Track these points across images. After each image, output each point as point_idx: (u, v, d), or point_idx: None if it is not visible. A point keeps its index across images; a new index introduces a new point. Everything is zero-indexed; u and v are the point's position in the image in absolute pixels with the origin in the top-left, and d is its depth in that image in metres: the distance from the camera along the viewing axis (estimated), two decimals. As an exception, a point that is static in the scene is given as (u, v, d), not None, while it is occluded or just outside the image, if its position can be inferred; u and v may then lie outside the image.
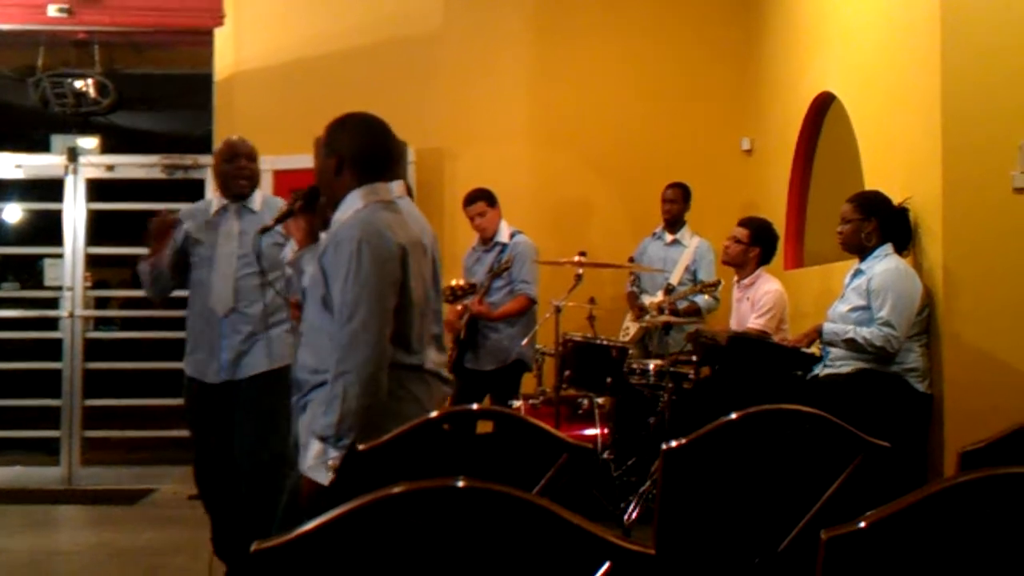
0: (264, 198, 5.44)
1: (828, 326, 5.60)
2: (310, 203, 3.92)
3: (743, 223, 6.99)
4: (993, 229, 5.56)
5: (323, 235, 3.89)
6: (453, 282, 7.14)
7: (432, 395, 3.80)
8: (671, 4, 9.24)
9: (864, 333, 5.44)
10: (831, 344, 5.59)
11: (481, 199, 7.47)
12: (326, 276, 3.60)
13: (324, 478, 3.42)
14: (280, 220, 4.04)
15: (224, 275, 5.25)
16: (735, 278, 7.03)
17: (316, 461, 3.47)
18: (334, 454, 3.41)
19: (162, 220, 5.35)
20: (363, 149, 3.72)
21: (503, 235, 7.47)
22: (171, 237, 5.36)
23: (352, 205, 3.67)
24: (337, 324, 3.53)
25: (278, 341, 5.25)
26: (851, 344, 5.47)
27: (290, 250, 4.21)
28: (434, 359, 3.85)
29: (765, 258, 6.92)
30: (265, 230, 4.28)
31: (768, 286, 6.81)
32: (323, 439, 3.46)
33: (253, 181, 5.38)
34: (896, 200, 5.74)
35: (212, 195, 5.79)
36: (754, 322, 6.69)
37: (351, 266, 3.51)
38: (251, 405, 5.20)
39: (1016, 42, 5.59)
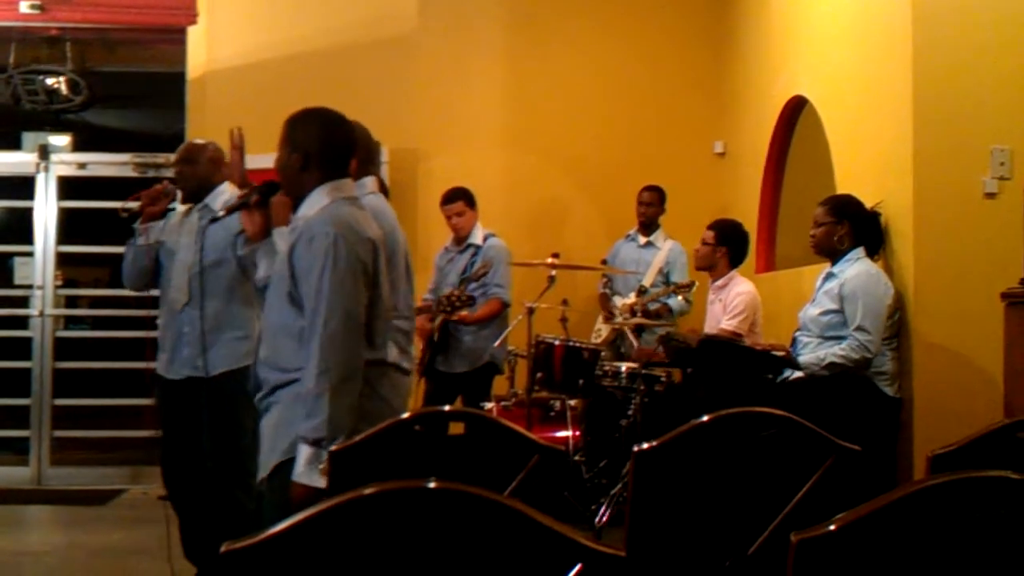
0: (230, 197, 5.44)
1: (805, 359, 5.57)
2: (266, 198, 3.89)
3: (710, 226, 7.05)
4: (964, 233, 5.60)
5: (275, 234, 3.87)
6: (449, 291, 7.06)
7: (396, 389, 3.78)
8: (645, 8, 9.26)
9: (839, 352, 5.45)
10: (814, 375, 5.59)
11: (461, 199, 7.45)
12: (295, 272, 3.55)
13: (320, 482, 3.33)
14: (231, 211, 4.03)
15: (182, 268, 5.28)
16: (710, 280, 7.06)
17: (308, 466, 3.41)
18: (324, 456, 3.35)
19: (157, 188, 5.48)
20: (328, 144, 3.69)
21: (477, 237, 7.46)
22: (165, 204, 5.46)
23: (318, 202, 3.64)
24: (313, 320, 3.48)
25: (246, 339, 5.25)
26: (833, 367, 5.47)
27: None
28: (396, 353, 3.83)
29: (735, 258, 6.96)
30: (215, 220, 4.34)
31: (741, 288, 6.84)
32: (315, 443, 3.40)
33: (188, 184, 5.43)
34: (868, 204, 5.77)
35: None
36: (726, 323, 6.72)
37: (327, 261, 3.48)
38: (218, 403, 5.19)
39: (987, 48, 5.63)
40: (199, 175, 5.40)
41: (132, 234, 5.44)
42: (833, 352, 5.48)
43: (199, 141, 5.57)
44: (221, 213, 4.18)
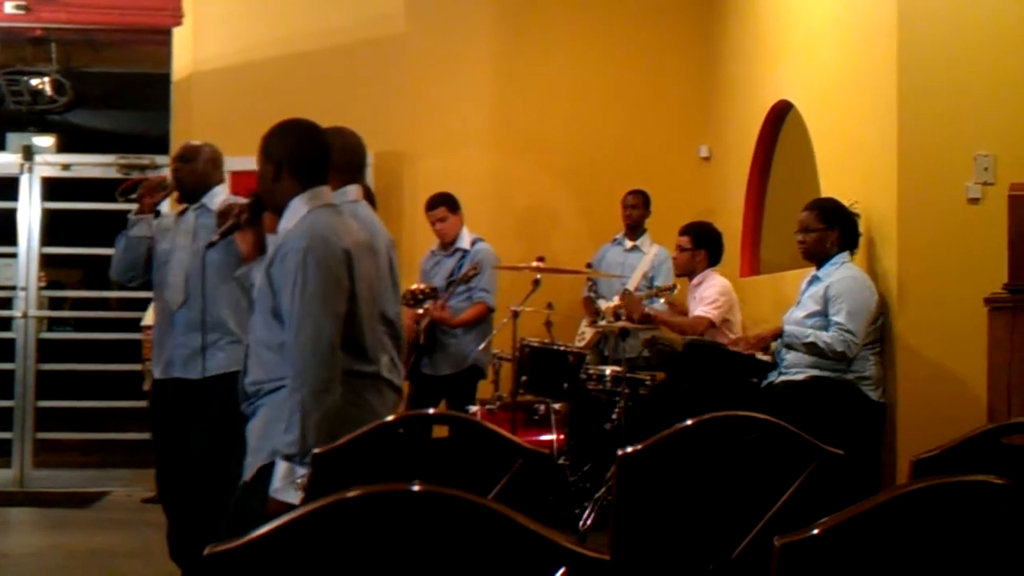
0: (226, 199, 5.40)
1: (789, 328, 5.61)
2: (255, 215, 3.89)
3: (683, 231, 7.07)
4: (948, 239, 5.62)
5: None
6: (414, 286, 7.11)
7: (385, 403, 3.79)
8: (632, 12, 9.26)
9: (825, 337, 5.45)
10: (790, 346, 5.60)
11: (443, 204, 7.44)
12: (274, 288, 3.58)
13: (295, 497, 3.34)
14: (225, 234, 4.02)
15: (179, 268, 5.26)
16: (688, 282, 7.09)
17: (284, 482, 3.41)
18: (302, 472, 3.34)
19: (155, 179, 5.47)
20: (299, 153, 3.70)
21: (464, 241, 7.46)
22: (161, 197, 5.45)
23: (296, 212, 3.65)
24: (288, 335, 3.51)
25: (243, 344, 5.22)
26: (811, 347, 5.48)
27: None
28: (388, 365, 3.84)
29: (714, 259, 6.99)
30: (211, 245, 4.32)
31: (713, 280, 6.89)
32: (288, 458, 3.42)
33: (186, 182, 5.40)
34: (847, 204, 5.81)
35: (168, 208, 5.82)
36: (700, 311, 6.73)
37: (298, 277, 3.50)
38: (212, 404, 5.17)
39: (971, 55, 5.66)
40: (197, 173, 5.38)
41: (119, 233, 5.43)
42: (818, 334, 5.47)
43: (196, 142, 5.53)
44: (215, 238, 4.16)
